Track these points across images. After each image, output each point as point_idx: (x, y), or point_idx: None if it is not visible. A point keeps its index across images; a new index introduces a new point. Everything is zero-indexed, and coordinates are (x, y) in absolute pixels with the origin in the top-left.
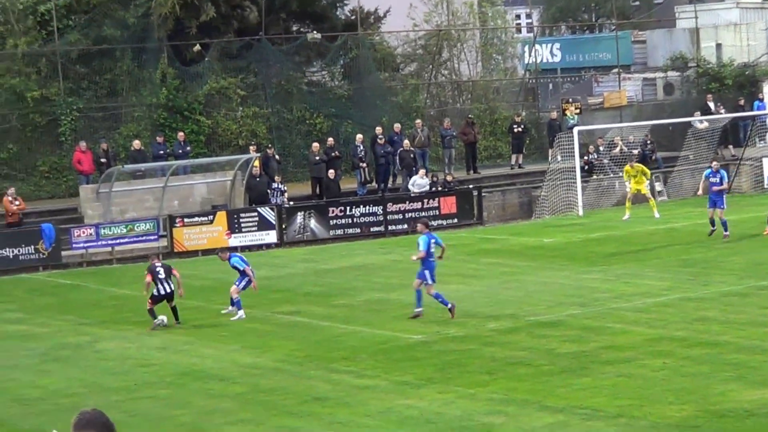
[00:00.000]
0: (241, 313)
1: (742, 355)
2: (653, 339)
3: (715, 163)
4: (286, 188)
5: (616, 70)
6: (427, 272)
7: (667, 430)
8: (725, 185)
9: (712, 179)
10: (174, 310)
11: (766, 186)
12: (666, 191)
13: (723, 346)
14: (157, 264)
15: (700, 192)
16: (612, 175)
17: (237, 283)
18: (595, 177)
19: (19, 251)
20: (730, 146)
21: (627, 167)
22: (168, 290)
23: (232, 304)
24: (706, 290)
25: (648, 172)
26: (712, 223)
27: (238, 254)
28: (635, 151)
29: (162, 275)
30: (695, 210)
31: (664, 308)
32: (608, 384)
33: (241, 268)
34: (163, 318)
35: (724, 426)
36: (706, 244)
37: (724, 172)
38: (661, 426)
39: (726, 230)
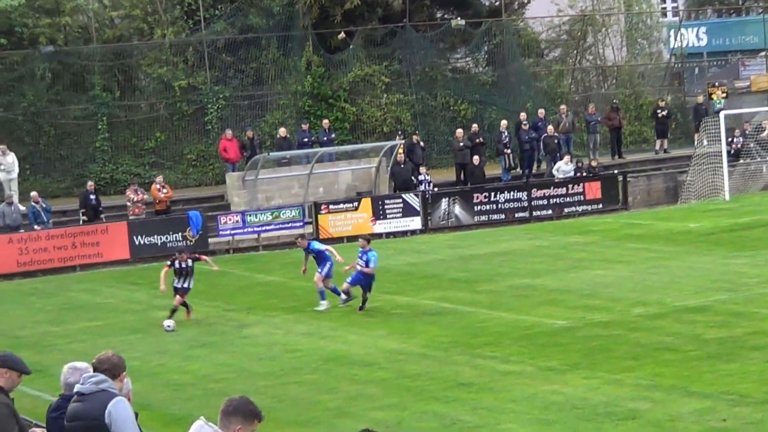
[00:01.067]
0: (325, 303)
1: None
2: None
3: None
4: (430, 177)
5: (763, 53)
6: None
7: None
8: None
9: None
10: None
11: None
12: None
13: None
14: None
15: None
16: (759, 159)
17: (320, 270)
18: (741, 161)
19: (167, 238)
20: None
21: None
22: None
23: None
24: None
25: None
26: None
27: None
28: None
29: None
30: None
31: None
32: (756, 370)
33: (323, 248)
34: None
35: None
36: None
37: None
38: None
39: None
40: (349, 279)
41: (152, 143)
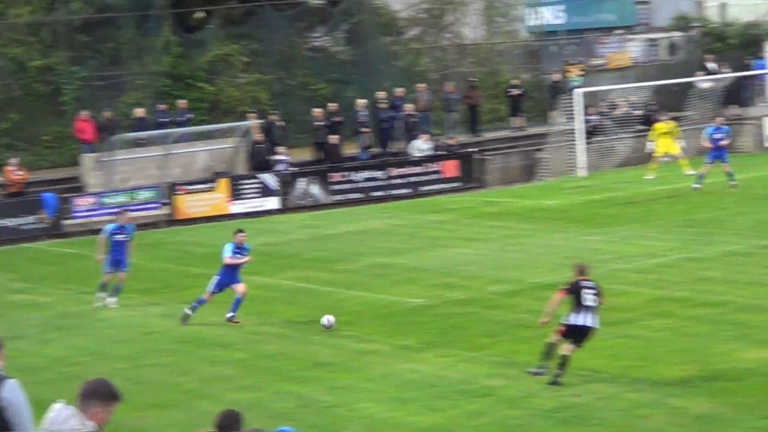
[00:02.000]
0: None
1: (744, 314)
2: (655, 300)
3: (718, 118)
4: (288, 157)
5: (619, 32)
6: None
7: (668, 390)
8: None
9: (715, 135)
10: None
11: (766, 145)
12: (655, 153)
13: (725, 305)
14: None
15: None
16: (614, 137)
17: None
18: (597, 138)
19: (21, 221)
20: (733, 106)
21: (659, 124)
22: None
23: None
24: (709, 250)
25: (679, 130)
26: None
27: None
28: (638, 112)
29: None
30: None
31: (667, 269)
32: (609, 345)
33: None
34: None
35: (726, 385)
36: (710, 204)
37: (727, 128)
38: (661, 386)
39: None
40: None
41: (7, 125)
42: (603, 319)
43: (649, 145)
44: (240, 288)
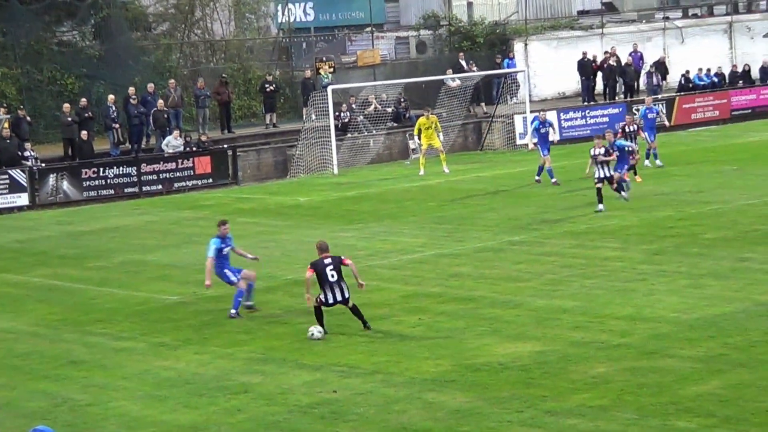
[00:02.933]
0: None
1: (496, 309)
2: (409, 295)
3: (542, 113)
4: (36, 153)
5: (369, 29)
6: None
7: (423, 385)
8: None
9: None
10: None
11: (518, 143)
12: (420, 148)
13: (477, 301)
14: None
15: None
16: (366, 133)
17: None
18: (349, 135)
19: None
20: (483, 104)
21: (422, 119)
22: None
23: None
24: (461, 246)
25: (439, 124)
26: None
27: None
28: (389, 109)
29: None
30: (450, 167)
31: (420, 265)
32: (364, 341)
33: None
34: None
35: (480, 379)
36: (461, 201)
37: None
38: (417, 381)
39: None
40: None
41: None
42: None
43: (415, 141)
44: (249, 274)
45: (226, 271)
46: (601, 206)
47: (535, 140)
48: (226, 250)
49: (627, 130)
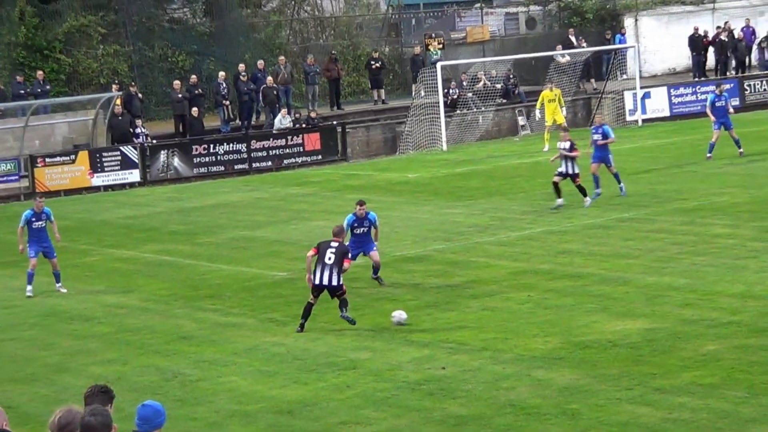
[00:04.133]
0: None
1: (604, 286)
2: (517, 272)
3: (597, 117)
4: (147, 130)
5: (478, 5)
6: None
7: (532, 362)
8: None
9: (594, 136)
10: None
11: (627, 119)
12: (529, 125)
13: (586, 278)
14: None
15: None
16: (475, 110)
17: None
18: (458, 112)
19: None
20: (592, 80)
21: (546, 91)
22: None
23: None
24: (570, 223)
25: (562, 98)
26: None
27: None
28: (498, 86)
29: None
30: (540, 145)
31: (528, 242)
32: (473, 318)
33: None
34: None
35: (588, 356)
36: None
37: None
38: (525, 358)
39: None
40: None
41: None
42: (466, 293)
43: (536, 114)
44: (374, 256)
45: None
46: (559, 201)
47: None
48: (359, 230)
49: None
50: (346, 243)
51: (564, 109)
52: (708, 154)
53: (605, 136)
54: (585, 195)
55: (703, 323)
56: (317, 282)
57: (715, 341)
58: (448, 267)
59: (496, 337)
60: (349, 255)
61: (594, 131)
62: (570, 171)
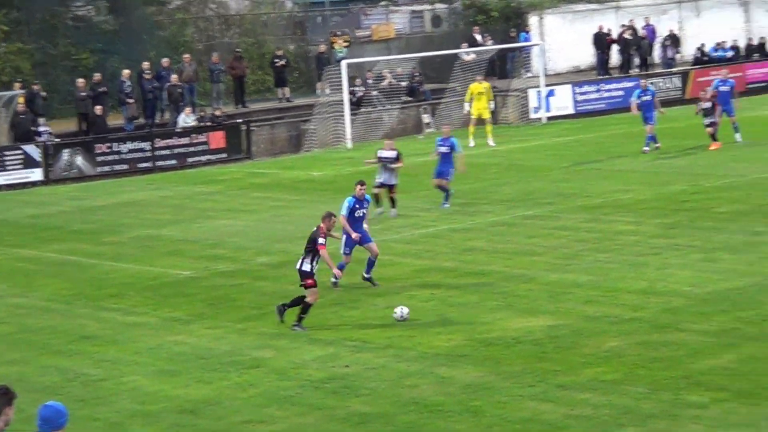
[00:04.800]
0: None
1: (509, 284)
2: (422, 270)
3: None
4: (50, 128)
5: (383, 3)
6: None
7: (436, 360)
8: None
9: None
10: None
11: (531, 117)
12: (434, 123)
13: (490, 275)
14: None
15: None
16: (380, 108)
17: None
18: (363, 110)
19: None
20: (497, 78)
21: (474, 84)
22: None
23: None
24: (474, 221)
25: (491, 92)
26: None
27: None
28: (403, 84)
29: None
30: (463, 141)
31: (433, 239)
32: (378, 316)
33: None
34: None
35: (491, 353)
36: (475, 175)
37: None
38: (429, 356)
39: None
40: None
41: None
42: (370, 291)
43: (466, 107)
44: (373, 247)
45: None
46: (379, 209)
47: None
48: (360, 213)
49: (703, 107)
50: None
51: (492, 103)
52: (645, 148)
53: (453, 148)
54: (394, 206)
55: (606, 320)
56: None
57: (617, 337)
58: (353, 265)
59: (400, 335)
60: (320, 241)
61: (441, 143)
62: (389, 182)
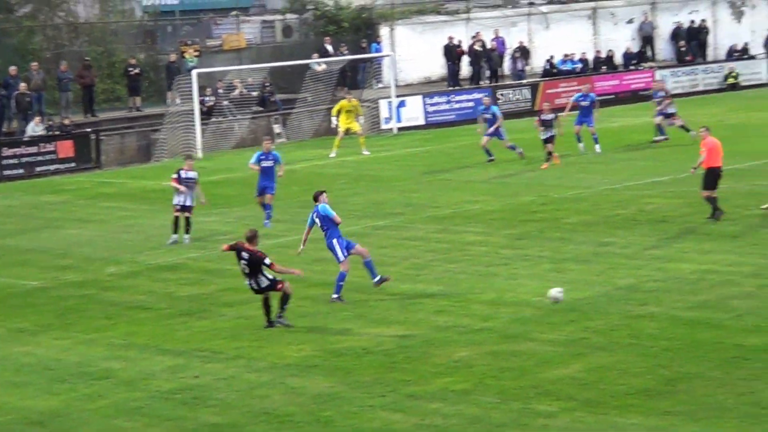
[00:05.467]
0: None
1: (360, 294)
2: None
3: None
4: None
5: (234, 13)
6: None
7: (286, 370)
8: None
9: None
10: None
11: (383, 127)
12: (285, 133)
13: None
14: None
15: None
16: (231, 118)
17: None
18: (214, 119)
19: None
20: (347, 89)
21: (344, 101)
22: None
23: None
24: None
25: (360, 108)
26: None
27: None
28: (254, 94)
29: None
30: (314, 151)
31: (283, 249)
32: (228, 326)
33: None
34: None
35: (342, 364)
36: (325, 185)
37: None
38: (279, 366)
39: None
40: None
41: None
42: (220, 301)
43: (333, 120)
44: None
45: (335, 242)
46: (174, 237)
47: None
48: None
49: (543, 118)
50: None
51: (361, 118)
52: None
53: (276, 161)
54: (188, 232)
55: (456, 330)
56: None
57: (467, 348)
58: (203, 275)
59: (250, 345)
60: (267, 261)
61: (264, 157)
62: (187, 203)
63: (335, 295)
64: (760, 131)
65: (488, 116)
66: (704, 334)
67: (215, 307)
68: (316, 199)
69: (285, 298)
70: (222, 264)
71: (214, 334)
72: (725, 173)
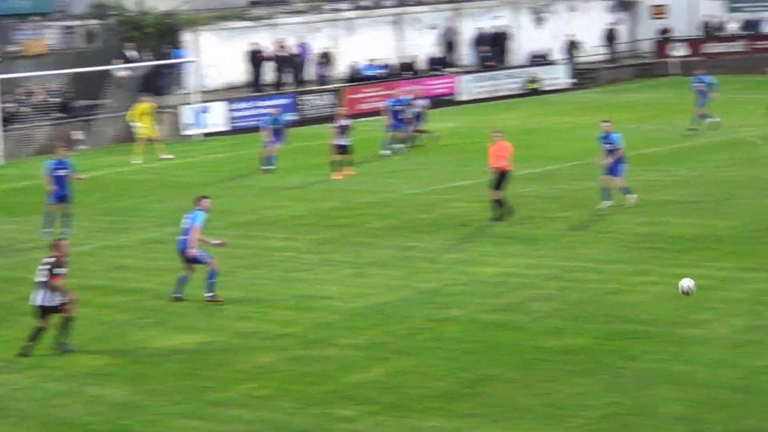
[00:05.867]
0: None
1: (161, 301)
2: (73, 288)
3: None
4: None
5: (35, 18)
6: None
7: (84, 379)
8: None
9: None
10: None
11: (185, 133)
12: (85, 139)
13: (142, 293)
14: None
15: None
16: (31, 124)
17: None
18: (15, 126)
19: None
20: (150, 94)
21: (144, 104)
22: None
23: None
24: (126, 238)
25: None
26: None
27: None
28: (56, 100)
29: None
30: (117, 158)
31: (84, 257)
32: (26, 336)
33: None
34: None
35: (141, 371)
36: (127, 192)
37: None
38: (78, 375)
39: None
40: None
41: None
42: (21, 309)
43: (136, 125)
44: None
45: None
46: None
47: None
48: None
49: (339, 124)
50: None
51: (154, 122)
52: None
53: (70, 168)
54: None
55: (258, 335)
56: (35, 303)
57: (269, 353)
58: (2, 284)
59: (46, 354)
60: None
61: (58, 165)
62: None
63: (210, 294)
64: (561, 135)
65: (278, 126)
66: (505, 337)
67: (14, 315)
68: (197, 202)
69: (66, 321)
70: (22, 272)
71: (15, 343)
72: (526, 177)
